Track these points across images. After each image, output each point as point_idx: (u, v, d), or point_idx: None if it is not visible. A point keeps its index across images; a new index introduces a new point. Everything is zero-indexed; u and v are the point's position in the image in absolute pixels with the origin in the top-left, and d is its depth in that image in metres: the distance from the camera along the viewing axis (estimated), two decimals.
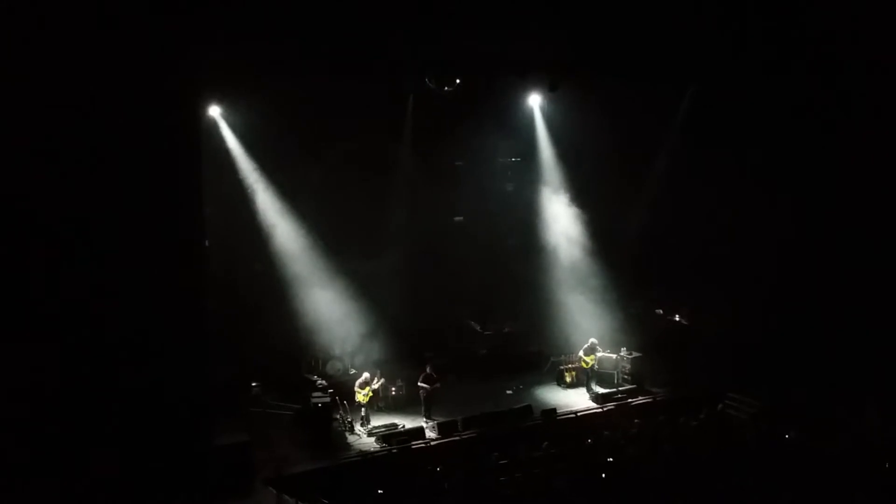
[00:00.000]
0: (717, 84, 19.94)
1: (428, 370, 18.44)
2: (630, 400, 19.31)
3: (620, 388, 19.78)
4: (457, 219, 23.48)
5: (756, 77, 19.02)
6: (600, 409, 18.96)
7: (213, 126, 18.61)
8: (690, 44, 18.28)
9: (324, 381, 18.77)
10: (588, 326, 20.82)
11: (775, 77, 18.82)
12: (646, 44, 17.98)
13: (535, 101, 21.83)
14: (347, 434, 17.52)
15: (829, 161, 18.38)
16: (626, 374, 20.24)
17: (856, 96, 17.55)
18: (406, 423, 17.82)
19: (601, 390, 19.73)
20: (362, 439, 17.33)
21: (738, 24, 17.72)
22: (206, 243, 14.15)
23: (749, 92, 19.27)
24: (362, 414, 17.88)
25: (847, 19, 16.71)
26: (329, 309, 19.84)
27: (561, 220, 22.12)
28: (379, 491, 14.35)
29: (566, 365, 20.72)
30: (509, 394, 20.12)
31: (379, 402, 18.73)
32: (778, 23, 17.64)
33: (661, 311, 22.94)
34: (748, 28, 17.86)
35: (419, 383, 18.33)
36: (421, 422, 17.82)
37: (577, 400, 19.65)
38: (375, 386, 18.18)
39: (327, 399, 17.37)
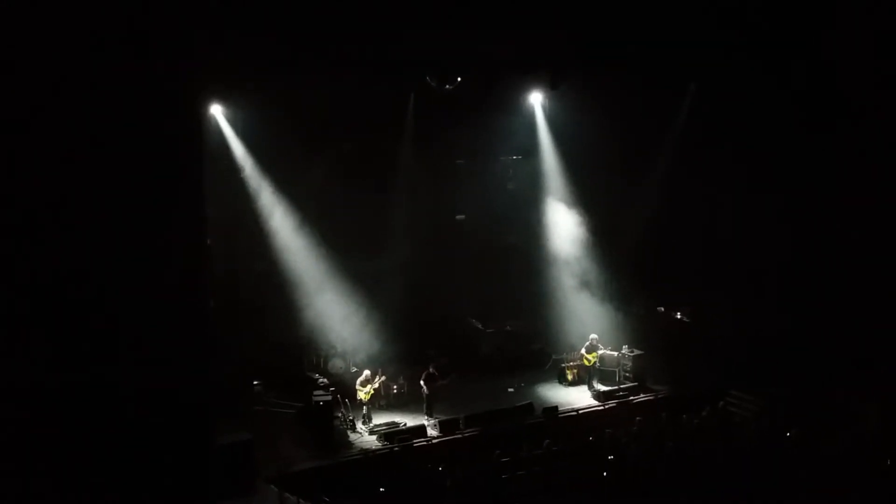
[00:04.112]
0: (719, 83, 19.91)
1: (430, 368, 18.45)
2: (632, 398, 19.30)
3: (622, 386, 19.77)
4: (458, 217, 23.48)
5: (757, 76, 18.99)
6: (602, 407, 18.97)
7: (215, 124, 18.61)
8: (692, 42, 18.26)
9: (325, 380, 18.72)
10: (590, 324, 20.79)
11: (776, 76, 18.80)
12: (647, 42, 17.95)
13: (536, 99, 21.74)
14: (349, 432, 17.54)
15: (829, 160, 18.38)
16: (627, 371, 20.24)
17: (856, 96, 17.53)
18: (408, 420, 17.85)
19: (603, 388, 19.75)
20: (364, 437, 17.36)
21: (739, 23, 17.69)
22: (209, 242, 14.13)
23: (750, 91, 19.24)
24: (364, 412, 17.89)
25: (848, 19, 16.70)
26: (330, 307, 19.82)
27: (562, 217, 22.06)
28: (381, 489, 14.38)
29: (568, 363, 20.71)
30: (511, 391, 20.12)
31: (380, 400, 18.75)
32: (779, 22, 17.62)
33: (663, 309, 22.91)
34: (749, 27, 17.84)
35: (421, 381, 18.34)
36: (423, 420, 17.84)
37: (578, 398, 19.66)
38: (377, 384, 18.17)
39: (329, 397, 17.34)
